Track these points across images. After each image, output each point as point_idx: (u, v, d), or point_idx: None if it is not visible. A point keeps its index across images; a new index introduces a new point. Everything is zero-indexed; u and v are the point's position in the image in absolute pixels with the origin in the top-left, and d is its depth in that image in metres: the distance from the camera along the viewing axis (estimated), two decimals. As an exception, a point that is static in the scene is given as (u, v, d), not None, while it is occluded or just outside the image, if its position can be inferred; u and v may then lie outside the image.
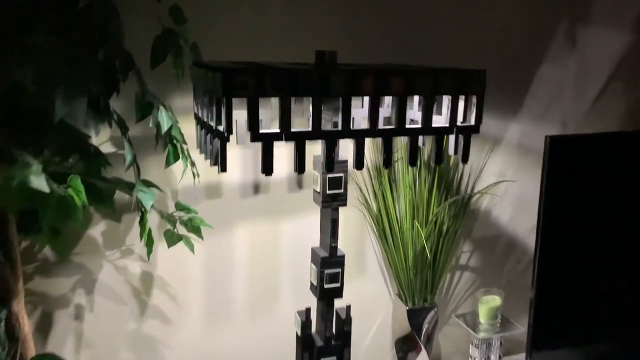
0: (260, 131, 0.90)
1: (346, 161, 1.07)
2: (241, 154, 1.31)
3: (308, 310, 1.14)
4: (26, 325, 1.03)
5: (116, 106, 1.08)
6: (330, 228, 1.08)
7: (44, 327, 1.25)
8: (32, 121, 0.93)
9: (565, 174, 1.27)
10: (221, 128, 0.90)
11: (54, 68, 0.85)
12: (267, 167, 0.92)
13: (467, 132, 1.04)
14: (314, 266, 1.13)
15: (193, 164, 1.16)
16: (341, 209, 1.10)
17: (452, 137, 1.05)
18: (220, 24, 1.23)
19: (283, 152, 1.29)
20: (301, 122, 1.12)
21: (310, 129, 0.93)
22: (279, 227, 1.39)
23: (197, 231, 1.19)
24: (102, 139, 1.19)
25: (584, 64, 1.64)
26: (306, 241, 1.35)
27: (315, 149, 1.12)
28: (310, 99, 0.92)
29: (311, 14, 1.30)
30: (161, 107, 1.03)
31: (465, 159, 1.05)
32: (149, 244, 1.10)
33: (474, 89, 1.02)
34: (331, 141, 0.96)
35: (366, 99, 1.09)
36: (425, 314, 1.45)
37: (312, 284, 1.14)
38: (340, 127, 0.96)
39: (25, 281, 1.20)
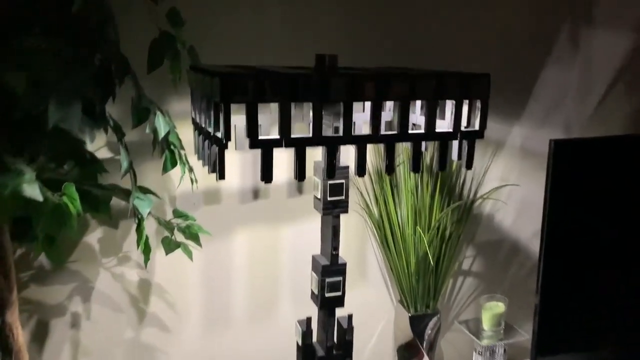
0: (260, 137, 0.87)
1: (347, 167, 1.05)
2: (240, 159, 1.29)
3: (309, 320, 1.12)
4: (20, 336, 1.01)
5: (112, 111, 1.06)
6: (331, 236, 1.06)
7: (39, 337, 1.23)
8: (26, 127, 0.91)
9: (570, 178, 1.25)
10: (219, 134, 0.88)
11: (46, 72, 0.83)
12: (267, 174, 0.89)
13: (472, 138, 1.01)
14: (314, 274, 1.10)
15: (191, 170, 1.14)
16: (342, 214, 1.07)
17: (455, 143, 1.02)
18: (219, 26, 1.21)
19: (283, 156, 1.27)
20: (301, 127, 1.10)
21: (310, 135, 0.91)
22: (278, 233, 1.38)
23: (195, 238, 1.17)
24: (98, 145, 1.17)
25: (588, 66, 1.62)
26: (306, 247, 1.33)
27: (315, 154, 1.10)
28: (311, 103, 0.90)
29: (311, 15, 1.29)
30: (158, 112, 1.00)
31: (469, 165, 1.02)
32: (146, 251, 1.08)
33: (478, 93, 0.99)
34: (332, 147, 0.94)
35: (367, 103, 1.07)
36: (428, 320, 1.43)
37: (312, 293, 1.12)
38: (341, 133, 0.93)
39: (21, 289, 1.19)
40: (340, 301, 1.10)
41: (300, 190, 1.36)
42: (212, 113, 0.89)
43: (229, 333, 1.39)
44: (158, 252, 1.25)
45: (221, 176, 0.89)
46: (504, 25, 1.49)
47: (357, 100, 0.93)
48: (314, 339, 1.15)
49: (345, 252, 1.29)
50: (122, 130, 1.03)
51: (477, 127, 1.01)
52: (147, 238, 1.07)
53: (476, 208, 1.57)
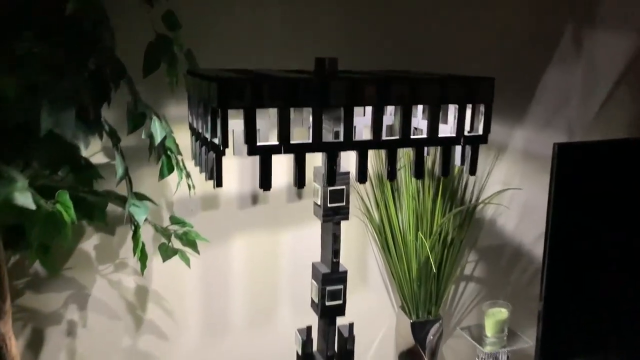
0: (258, 144, 0.85)
1: (348, 173, 1.03)
2: (239, 163, 1.28)
3: (309, 329, 1.10)
4: (14, 346, 0.99)
5: (107, 116, 1.04)
6: (332, 243, 1.04)
7: (35, 345, 1.21)
8: (19, 133, 0.89)
9: (574, 181, 1.25)
10: (216, 141, 0.86)
11: (38, 77, 0.81)
12: (266, 182, 0.87)
13: (475, 143, 0.99)
14: (314, 282, 1.08)
15: (188, 176, 1.12)
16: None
17: (458, 148, 1.00)
18: (217, 30, 1.20)
19: (282, 160, 1.26)
20: (301, 132, 1.08)
21: (310, 141, 0.89)
22: (278, 239, 1.36)
23: (192, 245, 1.15)
24: (93, 150, 1.16)
25: (591, 68, 1.61)
26: (306, 253, 1.31)
27: (315, 159, 1.08)
28: (310, 108, 0.88)
29: (310, 15, 1.27)
30: (154, 117, 0.98)
31: (473, 171, 1.00)
32: (143, 259, 1.06)
33: (482, 97, 0.97)
34: (332, 153, 0.91)
35: (368, 106, 1.05)
36: (430, 326, 1.42)
37: (312, 301, 1.10)
38: (341, 138, 0.91)
39: (15, 297, 1.17)
40: (341, 310, 1.08)
41: (299, 195, 1.34)
42: (209, 119, 0.87)
43: (228, 341, 1.37)
44: (155, 259, 1.23)
45: (218, 184, 0.87)
46: (506, 27, 1.48)
47: (358, 105, 0.90)
48: (314, 348, 1.13)
49: (345, 257, 1.28)
50: (117, 135, 1.01)
51: (480, 132, 0.99)
52: (143, 245, 1.05)
53: (478, 212, 1.55)
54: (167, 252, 1.13)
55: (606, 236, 1.32)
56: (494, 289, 1.63)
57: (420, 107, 1.08)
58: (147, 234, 1.20)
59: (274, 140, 0.88)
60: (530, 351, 1.38)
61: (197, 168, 1.04)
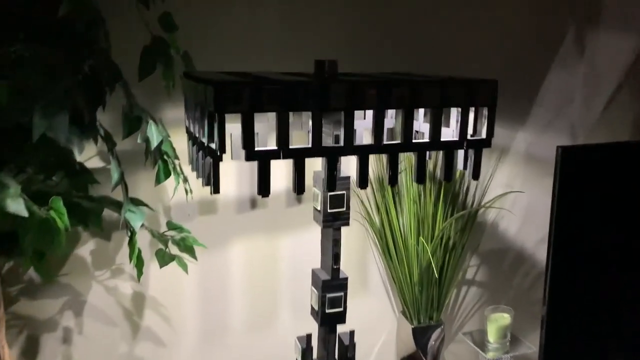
0: (256, 149, 0.83)
1: (349, 177, 1.01)
2: (237, 167, 1.26)
3: (309, 336, 1.08)
4: (7, 355, 0.97)
5: (103, 120, 1.02)
6: (332, 249, 1.02)
7: (30, 352, 1.20)
8: (11, 137, 0.87)
9: (578, 184, 1.23)
10: (214, 145, 0.84)
11: (31, 80, 0.79)
12: (264, 188, 0.85)
13: (478, 147, 0.97)
14: (314, 289, 1.06)
15: (185, 180, 1.10)
16: (343, 226, 1.04)
17: (461, 151, 0.98)
18: (214, 31, 1.18)
19: (281, 164, 1.24)
20: (300, 136, 1.06)
21: (310, 145, 0.87)
22: (277, 244, 1.34)
23: (190, 251, 1.13)
24: (89, 154, 1.14)
25: (593, 69, 1.59)
26: (306, 259, 1.30)
27: (315, 162, 1.06)
28: (310, 112, 0.86)
29: (309, 16, 1.26)
30: (150, 121, 0.96)
31: (476, 176, 0.98)
32: (139, 266, 1.04)
33: (485, 100, 0.96)
34: (333, 158, 0.89)
35: (369, 110, 1.03)
36: (431, 332, 1.40)
37: (312, 309, 1.08)
38: (342, 142, 0.89)
39: (10, 304, 1.16)
40: (341, 317, 1.06)
41: (299, 200, 1.33)
42: (206, 123, 0.85)
43: (226, 347, 1.35)
44: (152, 264, 1.21)
45: (216, 190, 0.85)
46: (507, 28, 1.47)
47: (358, 109, 0.89)
48: (314, 356, 1.11)
49: (346, 262, 1.26)
50: (113, 139, 0.99)
51: (483, 136, 0.97)
52: (139, 251, 1.03)
53: (480, 215, 1.53)
54: (164, 258, 1.11)
55: (610, 239, 1.31)
56: (496, 294, 1.61)
57: (421, 110, 1.06)
58: (144, 239, 1.18)
59: (272, 144, 0.86)
60: (533, 357, 1.37)
61: (195, 173, 1.02)
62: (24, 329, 1.18)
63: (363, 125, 1.09)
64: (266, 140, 1.03)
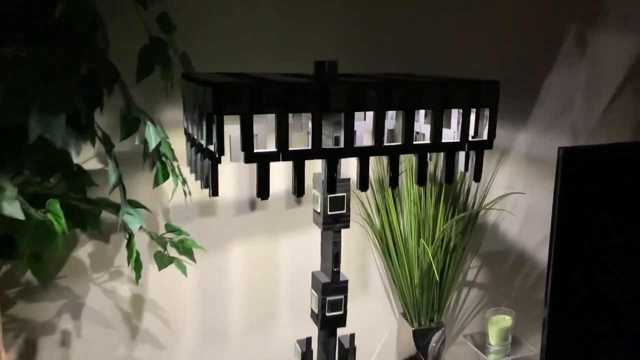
0: (255, 151, 0.82)
1: (349, 179, 1.00)
2: (236, 168, 1.25)
3: (309, 340, 1.07)
4: (4, 359, 0.96)
5: (100, 121, 1.01)
6: (332, 252, 1.01)
7: (27, 356, 1.19)
8: (8, 139, 0.86)
9: (579, 185, 1.22)
10: (212, 147, 0.83)
11: (27, 82, 0.78)
12: (263, 190, 0.84)
13: (480, 148, 0.96)
14: (314, 292, 1.05)
15: (184, 182, 1.09)
16: (343, 228, 1.03)
17: (462, 153, 0.97)
18: (213, 32, 1.17)
19: (281, 165, 1.23)
20: (300, 138, 1.05)
21: (309, 147, 0.86)
22: (277, 246, 1.33)
23: (188, 253, 1.12)
24: (87, 156, 1.13)
25: (594, 70, 1.59)
26: (306, 261, 1.29)
27: (315, 164, 1.05)
28: (310, 113, 0.85)
29: (309, 16, 1.25)
30: (149, 123, 0.96)
31: (477, 178, 0.97)
32: (137, 268, 1.03)
33: (487, 101, 0.95)
34: (333, 160, 0.88)
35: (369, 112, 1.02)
36: (432, 334, 1.39)
37: (312, 312, 1.07)
38: (342, 144, 0.88)
39: (7, 307, 1.15)
40: (342, 320, 1.05)
41: (299, 201, 1.32)
42: (204, 125, 0.84)
43: (226, 350, 1.34)
44: (151, 266, 1.20)
45: (214, 193, 0.84)
46: (508, 28, 1.46)
47: (359, 110, 0.88)
48: (314, 359, 1.10)
49: (346, 264, 1.25)
50: (111, 141, 0.98)
51: (485, 137, 0.97)
52: (138, 254, 1.02)
53: (481, 217, 1.53)
54: (162, 261, 1.10)
55: (613, 241, 1.30)
56: (497, 296, 1.60)
57: (422, 111, 1.05)
58: (142, 241, 1.17)
59: (272, 146, 0.85)
60: (535, 359, 1.35)
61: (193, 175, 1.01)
62: (21, 332, 1.17)
63: (363, 126, 1.08)
64: (265, 142, 1.02)
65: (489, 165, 1.50)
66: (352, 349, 1.08)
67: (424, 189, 1.33)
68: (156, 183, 1.01)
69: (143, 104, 1.01)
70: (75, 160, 1.05)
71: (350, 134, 0.87)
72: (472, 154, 0.97)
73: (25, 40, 0.85)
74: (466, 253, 1.50)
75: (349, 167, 1.22)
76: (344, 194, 0.99)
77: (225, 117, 0.81)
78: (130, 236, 0.99)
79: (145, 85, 0.97)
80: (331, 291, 1.03)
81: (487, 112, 0.96)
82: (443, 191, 1.33)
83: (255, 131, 0.84)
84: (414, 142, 0.92)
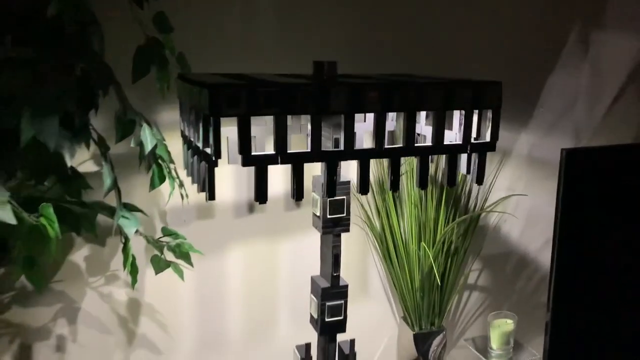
0: (253, 154, 0.80)
1: (349, 182, 0.98)
2: (234, 170, 1.24)
3: (308, 346, 1.05)
4: (-3, 366, 0.94)
5: (95, 123, 0.99)
6: (332, 257, 0.99)
7: (22, 362, 1.17)
8: (1, 141, 0.84)
9: (582, 187, 1.21)
10: (209, 150, 0.81)
11: (18, 83, 0.76)
12: (261, 194, 0.82)
13: (482, 150, 0.95)
14: (314, 297, 1.04)
15: (181, 185, 1.07)
16: (343, 232, 1.01)
17: (464, 155, 0.95)
18: (210, 32, 1.16)
19: (279, 167, 1.21)
20: (299, 140, 1.03)
21: (309, 150, 0.84)
22: (276, 249, 1.32)
23: (185, 257, 1.10)
24: (82, 158, 1.11)
25: (597, 71, 1.58)
26: (306, 264, 1.28)
27: (314, 166, 1.03)
28: (309, 115, 0.83)
29: (308, 16, 1.23)
30: (145, 125, 0.94)
31: (480, 180, 0.96)
32: (134, 273, 1.02)
33: (489, 102, 0.93)
34: (333, 163, 0.87)
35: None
36: (433, 338, 1.38)
37: (312, 317, 1.05)
38: (342, 146, 0.86)
39: (2, 312, 1.14)
40: (341, 326, 1.03)
41: (298, 204, 1.30)
42: (201, 127, 0.82)
43: (223, 356, 1.33)
44: (148, 270, 1.19)
45: (211, 197, 0.83)
46: (509, 28, 1.45)
47: (359, 112, 0.86)
48: (314, 365, 1.08)
49: (345, 267, 1.24)
50: (106, 143, 0.96)
51: (488, 139, 0.95)
52: (134, 259, 1.01)
53: (482, 219, 1.51)
54: (159, 265, 1.09)
55: (616, 243, 1.29)
56: (499, 299, 1.59)
57: (423, 113, 1.03)
58: (139, 244, 1.16)
59: (270, 148, 0.83)
60: (537, 364, 1.34)
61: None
62: (16, 337, 1.16)
63: (363, 128, 1.07)
64: (264, 144, 1.00)
65: (491, 166, 1.48)
66: (352, 355, 1.06)
67: (425, 192, 1.31)
68: (152, 186, 0.99)
69: (139, 106, 0.99)
70: (70, 163, 1.03)
71: (350, 136, 0.85)
72: (475, 156, 0.95)
73: (17, 41, 0.83)
74: (467, 256, 1.49)
75: (348, 170, 1.20)
76: (344, 197, 0.97)
77: (223, 119, 0.80)
78: (126, 240, 0.97)
79: (141, 87, 0.95)
80: (331, 296, 1.01)
81: (490, 114, 0.94)
82: (444, 193, 1.31)
83: (253, 133, 0.82)
84: (416, 145, 0.90)
